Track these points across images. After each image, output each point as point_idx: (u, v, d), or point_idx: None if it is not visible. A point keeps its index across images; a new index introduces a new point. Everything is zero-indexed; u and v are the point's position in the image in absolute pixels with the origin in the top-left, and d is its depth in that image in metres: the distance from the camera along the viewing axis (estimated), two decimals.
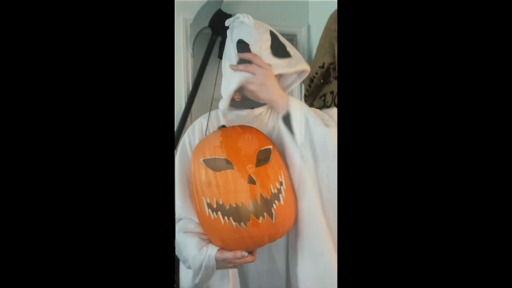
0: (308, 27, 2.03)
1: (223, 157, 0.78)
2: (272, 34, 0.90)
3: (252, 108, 0.92)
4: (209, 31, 1.74)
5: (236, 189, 0.76)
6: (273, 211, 0.76)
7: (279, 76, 0.94)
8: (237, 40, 0.88)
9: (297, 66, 0.88)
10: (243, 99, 0.90)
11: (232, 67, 0.84)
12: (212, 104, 0.98)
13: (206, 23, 1.73)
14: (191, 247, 0.82)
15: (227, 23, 0.95)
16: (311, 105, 1.69)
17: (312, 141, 0.82)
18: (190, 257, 0.81)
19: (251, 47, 0.85)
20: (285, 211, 0.79)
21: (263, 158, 0.81)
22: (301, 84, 1.95)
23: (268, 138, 0.86)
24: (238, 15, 0.92)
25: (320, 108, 1.61)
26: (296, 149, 0.83)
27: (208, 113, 0.98)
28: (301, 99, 1.99)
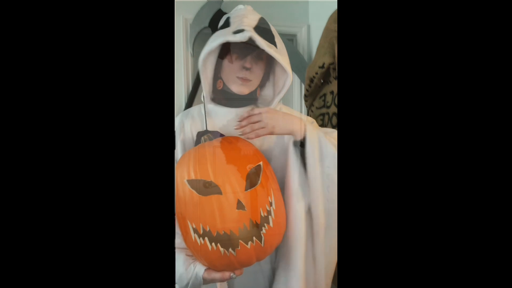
0: (308, 27, 2.03)
1: (210, 180, 0.73)
2: (262, 20, 0.84)
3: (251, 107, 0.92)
4: (209, 31, 1.75)
5: (224, 216, 0.71)
6: (262, 235, 0.73)
7: (270, 73, 0.91)
8: (226, 18, 0.86)
9: (276, 54, 0.80)
10: (231, 96, 0.87)
11: (236, 128, 0.80)
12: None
13: (206, 23, 1.73)
14: (177, 264, 0.80)
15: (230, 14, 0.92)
16: (311, 105, 1.69)
17: (323, 166, 0.82)
18: (177, 275, 0.80)
19: (231, 20, 0.82)
20: (274, 232, 0.76)
21: (253, 180, 0.76)
22: (301, 84, 1.96)
23: (258, 152, 0.82)
24: (239, 6, 0.89)
25: (320, 108, 1.61)
26: (297, 179, 0.82)
27: (189, 110, 0.94)
28: (301, 99, 2.00)
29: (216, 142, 0.81)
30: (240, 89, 0.84)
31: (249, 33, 0.74)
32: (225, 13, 1.74)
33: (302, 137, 0.82)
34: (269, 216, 0.75)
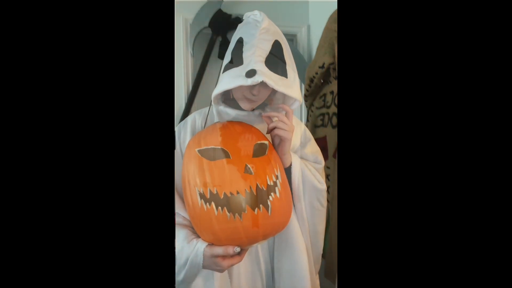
0: (308, 27, 2.04)
1: (219, 147, 0.77)
2: (276, 45, 0.84)
3: (253, 109, 0.92)
4: (209, 31, 1.75)
5: (232, 178, 0.73)
6: (269, 203, 0.74)
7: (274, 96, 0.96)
8: (238, 37, 0.86)
9: (287, 89, 0.81)
10: (239, 107, 0.90)
11: (264, 115, 0.87)
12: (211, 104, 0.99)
13: (206, 23, 1.73)
14: (179, 238, 0.79)
15: (244, 16, 0.90)
16: (311, 105, 1.69)
17: (305, 195, 0.93)
18: (177, 250, 0.77)
19: (244, 51, 0.82)
20: (281, 205, 0.76)
21: (260, 150, 0.80)
22: (301, 84, 1.96)
23: (264, 136, 0.86)
24: (256, 12, 0.88)
25: (320, 108, 1.61)
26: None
27: (202, 110, 0.98)
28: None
29: (227, 122, 0.89)
30: (246, 106, 0.88)
31: (261, 77, 0.76)
32: (225, 13, 1.74)
33: (286, 166, 0.89)
34: (276, 187, 0.77)
